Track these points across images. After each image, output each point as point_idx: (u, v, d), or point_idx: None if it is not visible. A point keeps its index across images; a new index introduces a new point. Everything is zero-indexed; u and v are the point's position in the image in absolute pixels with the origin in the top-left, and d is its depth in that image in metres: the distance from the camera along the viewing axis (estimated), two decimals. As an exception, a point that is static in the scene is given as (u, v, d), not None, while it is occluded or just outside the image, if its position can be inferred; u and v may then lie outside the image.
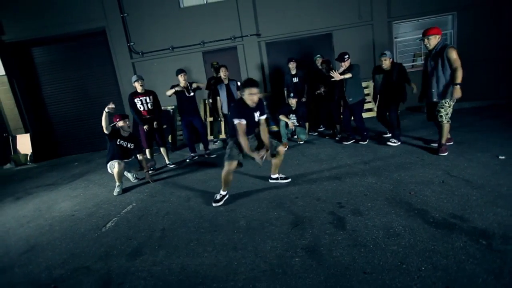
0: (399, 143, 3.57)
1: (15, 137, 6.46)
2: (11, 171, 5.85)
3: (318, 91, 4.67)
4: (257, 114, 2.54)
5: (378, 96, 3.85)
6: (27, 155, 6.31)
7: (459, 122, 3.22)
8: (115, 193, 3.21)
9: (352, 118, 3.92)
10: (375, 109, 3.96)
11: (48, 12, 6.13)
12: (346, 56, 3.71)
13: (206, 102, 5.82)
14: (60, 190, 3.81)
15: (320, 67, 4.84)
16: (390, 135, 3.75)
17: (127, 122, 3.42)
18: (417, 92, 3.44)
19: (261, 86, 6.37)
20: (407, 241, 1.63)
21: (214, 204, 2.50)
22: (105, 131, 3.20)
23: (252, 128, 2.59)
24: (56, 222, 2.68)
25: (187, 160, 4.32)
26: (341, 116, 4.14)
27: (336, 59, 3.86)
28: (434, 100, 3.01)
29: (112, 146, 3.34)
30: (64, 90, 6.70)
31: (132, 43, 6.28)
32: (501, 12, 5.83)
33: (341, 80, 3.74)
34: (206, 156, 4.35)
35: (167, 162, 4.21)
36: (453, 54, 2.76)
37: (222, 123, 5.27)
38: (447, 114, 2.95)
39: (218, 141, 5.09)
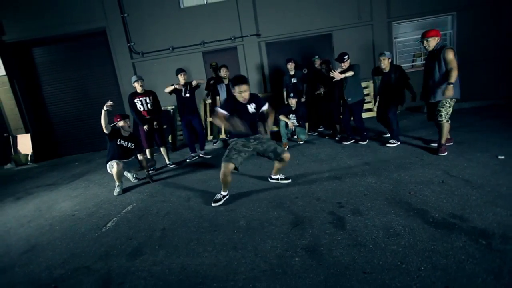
0: (399, 143, 3.57)
1: (16, 137, 6.46)
2: (12, 171, 5.86)
3: (318, 92, 4.68)
4: (251, 106, 2.49)
5: (378, 96, 3.85)
6: (27, 155, 6.32)
7: (459, 122, 3.22)
8: (115, 193, 3.22)
9: (352, 118, 3.93)
10: (375, 109, 3.96)
11: (48, 12, 6.14)
12: (346, 57, 3.71)
13: (206, 102, 5.82)
14: (60, 190, 3.81)
15: (319, 68, 4.85)
16: (390, 135, 3.76)
17: (128, 122, 3.42)
18: (417, 94, 3.46)
19: (261, 86, 6.38)
20: (406, 241, 1.63)
21: (213, 204, 2.50)
22: (105, 131, 3.19)
23: (249, 122, 2.49)
24: (56, 222, 2.68)
25: (187, 160, 4.32)
26: (341, 116, 4.15)
27: (336, 59, 3.86)
28: (431, 101, 3.02)
29: (112, 146, 3.34)
30: (65, 90, 6.71)
31: (132, 43, 6.29)
32: (501, 12, 5.83)
33: (341, 80, 3.74)
34: (201, 156, 4.36)
35: (167, 162, 4.21)
36: (450, 55, 2.78)
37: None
38: (447, 113, 2.96)
39: (218, 142, 5.10)
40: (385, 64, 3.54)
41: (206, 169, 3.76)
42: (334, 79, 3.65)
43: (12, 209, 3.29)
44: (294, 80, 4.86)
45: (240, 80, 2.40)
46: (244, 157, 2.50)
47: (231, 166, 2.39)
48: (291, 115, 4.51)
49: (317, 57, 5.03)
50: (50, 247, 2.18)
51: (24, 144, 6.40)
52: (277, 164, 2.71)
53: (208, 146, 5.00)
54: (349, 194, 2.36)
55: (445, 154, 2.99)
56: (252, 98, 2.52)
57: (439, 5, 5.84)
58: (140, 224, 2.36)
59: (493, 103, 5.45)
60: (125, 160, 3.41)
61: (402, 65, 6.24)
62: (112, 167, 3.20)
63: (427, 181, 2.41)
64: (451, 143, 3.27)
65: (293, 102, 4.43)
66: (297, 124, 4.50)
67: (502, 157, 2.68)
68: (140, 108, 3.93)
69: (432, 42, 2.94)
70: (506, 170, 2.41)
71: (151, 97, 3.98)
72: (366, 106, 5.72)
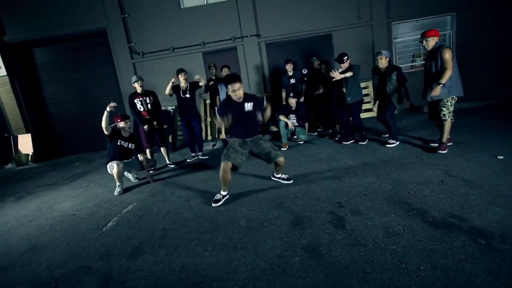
0: (398, 143, 3.58)
1: (17, 137, 6.48)
2: (13, 171, 5.87)
3: (317, 92, 4.69)
4: (247, 105, 2.49)
5: (377, 98, 3.86)
6: (28, 155, 6.33)
7: (458, 122, 3.23)
8: (115, 193, 3.22)
9: (350, 118, 3.93)
10: (374, 109, 3.97)
11: (49, 13, 6.15)
12: (345, 58, 3.72)
13: (207, 102, 5.84)
14: (61, 190, 3.82)
15: (319, 68, 4.86)
16: (389, 135, 3.76)
17: (128, 123, 3.43)
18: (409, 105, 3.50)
19: (261, 86, 6.39)
20: (406, 241, 1.63)
21: (214, 205, 2.50)
22: (105, 132, 3.20)
23: (247, 122, 2.51)
24: (57, 221, 2.69)
25: (187, 160, 4.33)
26: (340, 116, 4.16)
27: (336, 60, 3.87)
28: (428, 100, 3.05)
29: (112, 147, 3.35)
30: (65, 90, 6.73)
31: (132, 44, 6.30)
32: (500, 12, 5.84)
33: (340, 81, 3.75)
34: (199, 157, 4.38)
35: (168, 162, 4.22)
36: (446, 55, 2.79)
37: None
38: (449, 112, 2.97)
39: (218, 142, 5.11)
40: (382, 63, 3.54)
41: (206, 169, 3.77)
42: (334, 79, 3.66)
43: (13, 209, 3.29)
44: (293, 80, 4.87)
45: (232, 78, 2.40)
46: (242, 158, 2.52)
47: (229, 164, 2.44)
48: (291, 115, 4.52)
49: (314, 58, 5.06)
50: (50, 246, 2.19)
51: (25, 144, 6.41)
52: (275, 166, 2.73)
53: (208, 147, 5.01)
54: (348, 194, 2.37)
55: (445, 152, 3.00)
56: (248, 97, 2.52)
57: (438, 6, 5.85)
58: (141, 223, 2.37)
59: (492, 103, 5.45)
60: (125, 161, 3.42)
61: (402, 65, 6.28)
62: (113, 168, 3.21)
63: (426, 181, 2.41)
64: (451, 143, 3.28)
65: (292, 102, 4.44)
66: (297, 124, 4.51)
67: (501, 157, 2.68)
68: (140, 108, 3.94)
69: (431, 42, 2.95)
70: (505, 170, 2.41)
71: (151, 97, 3.99)
72: (366, 106, 5.73)
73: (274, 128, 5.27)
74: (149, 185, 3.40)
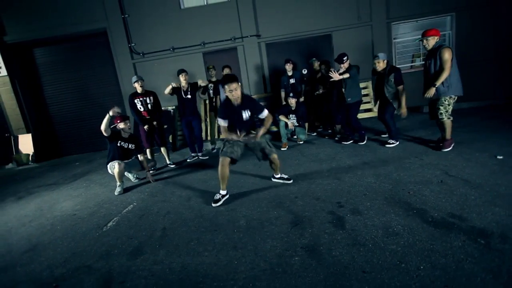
0: (397, 143, 3.58)
1: (17, 137, 6.49)
2: (13, 171, 5.88)
3: (317, 92, 4.70)
4: (246, 113, 2.50)
5: (376, 98, 3.87)
6: (28, 155, 6.34)
7: (458, 122, 3.24)
8: (116, 193, 3.23)
9: (349, 117, 3.95)
10: (375, 109, 3.98)
11: (49, 13, 6.16)
12: (345, 58, 3.73)
13: (207, 102, 5.83)
14: (61, 189, 3.82)
15: (318, 69, 4.87)
16: (388, 135, 3.77)
17: (128, 124, 3.43)
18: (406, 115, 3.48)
19: (260, 86, 6.40)
20: (406, 241, 1.64)
21: (213, 205, 2.51)
22: (105, 134, 3.20)
23: (243, 129, 2.55)
24: (57, 221, 2.70)
25: (188, 160, 4.34)
26: (340, 117, 4.17)
27: (335, 60, 3.88)
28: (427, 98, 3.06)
29: (112, 148, 3.35)
30: (66, 91, 6.74)
31: (133, 44, 6.31)
32: (499, 12, 5.84)
33: (340, 81, 3.76)
34: (199, 157, 4.39)
35: (168, 162, 4.22)
36: (445, 55, 2.79)
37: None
38: (446, 111, 2.99)
39: (217, 143, 5.11)
40: (380, 66, 3.54)
41: (206, 169, 3.77)
42: (332, 79, 3.67)
43: (13, 208, 3.30)
44: (292, 80, 4.88)
45: (229, 79, 2.39)
46: (238, 151, 2.55)
47: (228, 159, 2.49)
48: (290, 115, 4.53)
49: (314, 59, 5.07)
50: (51, 246, 2.19)
51: (26, 144, 6.42)
52: (270, 164, 2.74)
53: (209, 148, 5.01)
54: (348, 194, 2.37)
55: (450, 149, 3.03)
56: (247, 102, 2.51)
57: (438, 6, 5.86)
58: (141, 223, 2.37)
59: (492, 103, 5.46)
60: (125, 161, 3.42)
61: (401, 66, 6.29)
62: (114, 167, 3.22)
63: (426, 181, 2.42)
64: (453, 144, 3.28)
65: (292, 102, 4.44)
66: (297, 124, 4.52)
67: (501, 157, 2.69)
68: (140, 108, 3.95)
69: (432, 41, 2.96)
70: (505, 170, 2.42)
71: (151, 98, 4.00)
72: (366, 106, 5.74)
73: (274, 128, 5.27)
74: (150, 185, 3.41)
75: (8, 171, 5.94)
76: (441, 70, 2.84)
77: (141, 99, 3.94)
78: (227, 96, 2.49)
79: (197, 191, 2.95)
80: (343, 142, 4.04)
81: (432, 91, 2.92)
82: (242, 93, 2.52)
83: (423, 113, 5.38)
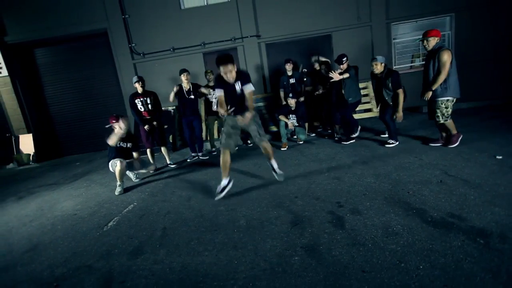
0: (397, 143, 3.59)
1: (18, 137, 6.50)
2: (14, 170, 5.89)
3: (317, 92, 4.71)
4: (238, 85, 2.44)
5: (376, 100, 3.90)
6: (29, 155, 6.35)
7: (457, 122, 3.24)
8: (116, 193, 3.24)
9: (344, 113, 3.99)
10: (375, 109, 4.00)
11: (50, 13, 6.18)
12: (344, 59, 3.75)
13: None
14: (62, 189, 3.83)
15: (318, 69, 4.88)
16: (388, 135, 3.78)
17: (124, 123, 3.33)
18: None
19: (260, 86, 6.40)
20: (405, 240, 1.64)
21: (217, 197, 2.54)
22: (111, 145, 3.23)
23: (235, 100, 2.47)
24: (58, 221, 2.70)
25: (188, 160, 4.35)
26: (339, 117, 4.20)
27: (335, 61, 3.90)
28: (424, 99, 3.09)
29: (112, 148, 3.35)
30: (66, 91, 6.75)
31: (133, 44, 6.32)
32: (498, 13, 5.85)
33: (339, 81, 3.78)
34: (200, 157, 4.39)
35: (168, 162, 4.23)
36: (444, 57, 2.80)
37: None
38: (443, 114, 3.02)
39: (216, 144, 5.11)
40: (377, 69, 3.55)
41: (206, 169, 3.78)
42: (332, 80, 3.68)
43: (14, 208, 3.31)
44: (292, 80, 4.88)
45: (224, 59, 2.27)
46: (237, 138, 2.62)
47: (229, 150, 2.56)
48: (290, 115, 4.53)
49: (314, 59, 5.08)
50: (52, 246, 2.20)
51: (26, 144, 6.44)
52: (262, 149, 2.74)
53: (209, 148, 5.02)
54: (348, 194, 2.37)
55: (457, 144, 3.09)
56: (239, 74, 2.42)
57: (437, 6, 5.87)
58: (141, 223, 2.38)
59: (491, 104, 5.47)
60: (126, 161, 3.43)
61: (401, 66, 6.29)
62: (116, 165, 3.23)
63: (425, 180, 2.42)
64: (455, 144, 3.29)
65: (292, 102, 4.45)
66: (297, 124, 4.52)
67: (500, 157, 2.69)
68: (140, 108, 3.96)
69: (432, 42, 2.97)
70: (504, 170, 2.42)
71: (151, 98, 4.01)
72: (366, 106, 5.75)
73: (274, 128, 5.28)
74: (150, 185, 3.41)
75: (9, 171, 5.95)
76: (439, 72, 2.85)
77: (141, 99, 3.95)
78: (220, 75, 2.40)
79: (197, 191, 2.96)
80: (342, 142, 4.05)
81: (429, 95, 2.99)
82: (239, 70, 2.45)
83: (422, 113, 5.39)
